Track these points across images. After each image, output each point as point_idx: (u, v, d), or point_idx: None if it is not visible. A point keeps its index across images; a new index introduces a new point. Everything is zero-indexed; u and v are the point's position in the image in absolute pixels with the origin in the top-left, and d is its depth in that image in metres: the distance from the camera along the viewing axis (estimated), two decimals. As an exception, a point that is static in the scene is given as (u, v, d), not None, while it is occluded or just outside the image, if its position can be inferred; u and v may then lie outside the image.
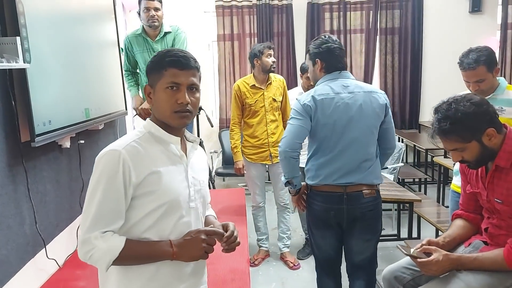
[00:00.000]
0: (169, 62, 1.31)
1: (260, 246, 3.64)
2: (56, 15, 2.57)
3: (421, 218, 3.54)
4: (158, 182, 1.29)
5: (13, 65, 1.79)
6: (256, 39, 5.77)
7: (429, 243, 1.71)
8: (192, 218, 1.39)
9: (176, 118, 1.32)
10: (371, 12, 5.80)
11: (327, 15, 5.84)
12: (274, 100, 3.34)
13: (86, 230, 1.24)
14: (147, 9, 2.99)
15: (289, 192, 2.40)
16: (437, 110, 1.67)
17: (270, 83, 3.36)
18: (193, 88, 1.35)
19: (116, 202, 1.25)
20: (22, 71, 2.04)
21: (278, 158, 2.28)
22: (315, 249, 2.42)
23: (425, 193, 4.79)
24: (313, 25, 5.77)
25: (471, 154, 1.66)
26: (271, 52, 3.29)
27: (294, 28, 5.82)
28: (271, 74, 3.37)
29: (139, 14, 3.09)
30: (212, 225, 1.45)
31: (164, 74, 1.31)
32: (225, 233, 1.38)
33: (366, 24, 5.85)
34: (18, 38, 1.83)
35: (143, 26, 3.07)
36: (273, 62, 3.28)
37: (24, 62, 1.92)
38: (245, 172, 3.49)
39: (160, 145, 1.36)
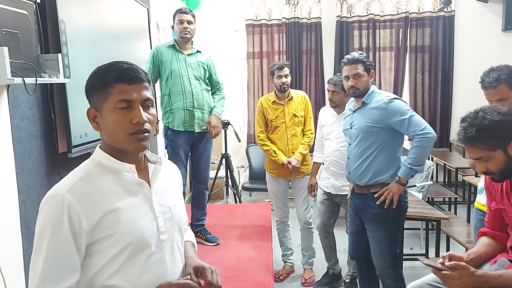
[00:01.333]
0: (115, 77, 1.12)
1: (285, 262, 3.64)
2: (95, 34, 2.71)
3: (450, 238, 3.47)
4: (117, 222, 1.11)
5: (54, 80, 1.91)
6: (285, 56, 5.85)
7: (451, 256, 1.69)
8: (166, 252, 1.21)
9: (133, 142, 1.14)
10: (401, 30, 5.79)
11: (356, 32, 5.86)
12: (295, 115, 3.38)
13: None
14: (181, 21, 3.13)
15: (400, 183, 2.47)
16: (463, 119, 1.68)
17: (291, 99, 3.41)
18: (148, 104, 1.17)
19: (65, 256, 1.07)
20: (62, 86, 2.16)
21: (424, 144, 2.42)
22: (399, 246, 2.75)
23: (455, 212, 4.69)
24: (342, 42, 5.81)
25: (496, 164, 1.64)
26: (281, 73, 3.36)
27: (323, 46, 5.87)
28: (292, 90, 3.44)
29: (172, 27, 3.24)
30: (188, 275, 1.25)
31: (110, 92, 1.12)
32: (198, 284, 1.20)
33: (396, 41, 5.85)
34: (59, 55, 1.95)
35: (174, 39, 3.22)
36: (283, 83, 3.35)
37: (64, 78, 2.04)
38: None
39: (114, 176, 1.17)
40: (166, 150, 3.32)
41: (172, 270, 1.23)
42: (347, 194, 3.00)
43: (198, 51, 3.24)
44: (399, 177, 2.46)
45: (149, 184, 1.22)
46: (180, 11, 3.16)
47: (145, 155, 1.26)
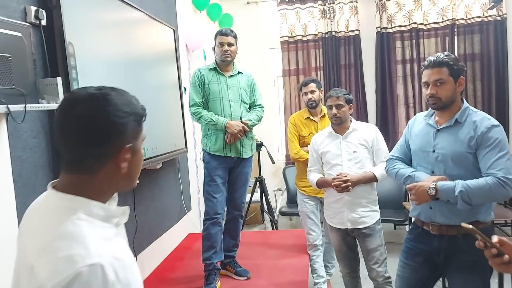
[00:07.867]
0: (143, 109, 1.01)
1: (318, 292, 3.32)
2: (118, 58, 2.61)
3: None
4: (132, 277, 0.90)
5: (53, 106, 1.76)
6: (322, 72, 5.60)
7: (501, 242, 1.34)
8: None
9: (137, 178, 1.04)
10: (447, 38, 5.39)
11: (398, 43, 5.52)
12: None
13: None
14: (221, 44, 3.00)
15: (433, 195, 1.95)
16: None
17: (324, 115, 3.29)
18: None
19: None
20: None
21: (496, 190, 1.85)
22: None
23: (520, 237, 4.19)
24: (383, 55, 5.48)
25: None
26: (307, 89, 3.34)
27: (363, 59, 5.56)
28: (323, 107, 3.27)
29: (213, 49, 3.12)
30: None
31: (142, 126, 1.00)
32: None
33: (442, 51, 5.42)
34: (58, 79, 1.80)
35: (216, 61, 3.07)
36: (308, 99, 3.32)
37: (67, 103, 1.89)
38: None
39: (111, 226, 0.94)
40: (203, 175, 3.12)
41: None
42: (368, 227, 2.63)
43: (239, 72, 3.10)
44: (435, 188, 1.94)
45: None
46: (220, 33, 3.04)
47: None
